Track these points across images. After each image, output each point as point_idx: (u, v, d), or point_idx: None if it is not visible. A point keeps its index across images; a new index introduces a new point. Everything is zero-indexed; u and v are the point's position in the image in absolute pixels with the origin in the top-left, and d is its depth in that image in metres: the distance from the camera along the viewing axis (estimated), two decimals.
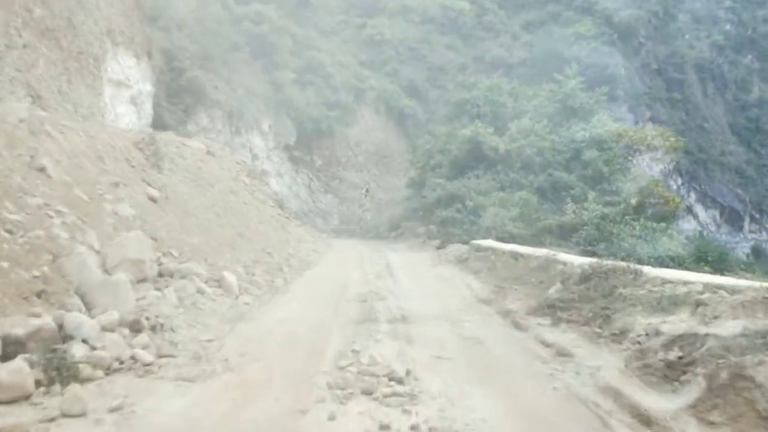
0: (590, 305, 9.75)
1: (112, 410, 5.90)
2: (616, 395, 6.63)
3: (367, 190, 37.58)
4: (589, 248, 21.21)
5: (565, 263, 12.81)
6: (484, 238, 22.68)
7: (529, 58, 54.06)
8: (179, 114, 39.26)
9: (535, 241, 22.32)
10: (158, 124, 32.70)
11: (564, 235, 23.29)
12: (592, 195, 26.40)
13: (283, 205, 23.17)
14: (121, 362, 7.19)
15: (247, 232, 17.76)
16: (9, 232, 8.23)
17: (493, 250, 17.39)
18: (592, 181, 28.84)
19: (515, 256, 15.55)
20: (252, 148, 45.24)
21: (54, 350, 6.73)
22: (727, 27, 62.79)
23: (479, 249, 18.48)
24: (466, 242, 23.62)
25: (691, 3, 62.22)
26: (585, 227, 22.97)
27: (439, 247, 25.42)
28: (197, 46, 41.61)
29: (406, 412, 6.23)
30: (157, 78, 37.37)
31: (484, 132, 29.38)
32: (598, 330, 8.91)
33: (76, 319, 7.43)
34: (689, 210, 52.80)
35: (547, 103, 32.15)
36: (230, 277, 12.27)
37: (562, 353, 8.40)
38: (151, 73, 35.17)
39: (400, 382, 7.14)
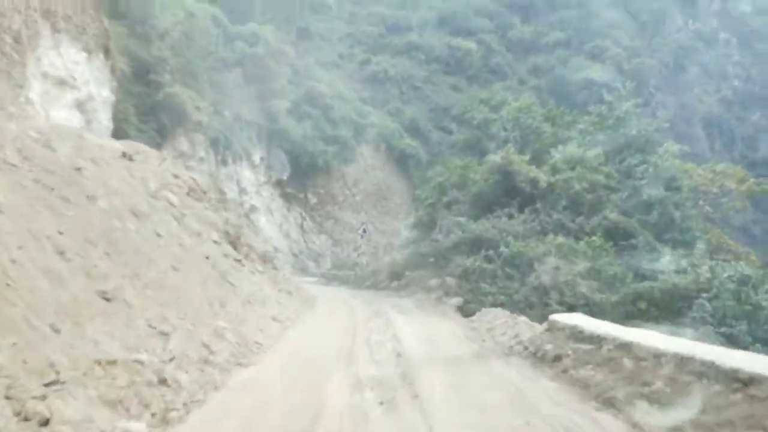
0: None
1: None
2: None
3: (364, 230, 27.87)
4: (723, 329, 11.39)
5: None
6: (541, 302, 13.00)
7: (538, 103, 44.78)
8: (152, 134, 29.31)
9: (622, 312, 12.53)
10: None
11: (668, 306, 13.44)
12: (666, 249, 16.81)
13: (238, 241, 13.19)
14: None
15: (136, 285, 7.84)
16: None
17: (620, 344, 7.38)
18: (657, 229, 19.16)
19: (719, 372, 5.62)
20: (240, 180, 35.49)
21: None
22: (736, 83, 54.32)
23: (576, 335, 8.41)
24: (506, 306, 13.91)
25: (700, 56, 53.63)
26: (707, 294, 13.10)
27: (464, 311, 15.64)
28: (180, 61, 32.18)
29: None
30: (125, 89, 27.91)
31: (518, 160, 19.75)
32: None
33: None
34: None
35: (595, 129, 22.64)
36: None
37: None
38: (109, 76, 25.60)
39: None
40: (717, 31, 56.38)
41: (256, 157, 36.88)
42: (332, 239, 40.58)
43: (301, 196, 39.79)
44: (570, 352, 8.23)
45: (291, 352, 9.09)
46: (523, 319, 11.68)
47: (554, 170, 19.94)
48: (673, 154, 21.58)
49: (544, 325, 9.87)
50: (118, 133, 24.89)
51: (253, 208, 36.43)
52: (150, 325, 7.73)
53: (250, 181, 36.26)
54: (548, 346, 8.70)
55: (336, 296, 20.11)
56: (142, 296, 7.98)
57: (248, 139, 36.41)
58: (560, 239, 17.16)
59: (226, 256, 11.92)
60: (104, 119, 25.47)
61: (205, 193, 15.32)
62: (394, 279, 22.83)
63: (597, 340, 8.15)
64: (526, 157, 20.27)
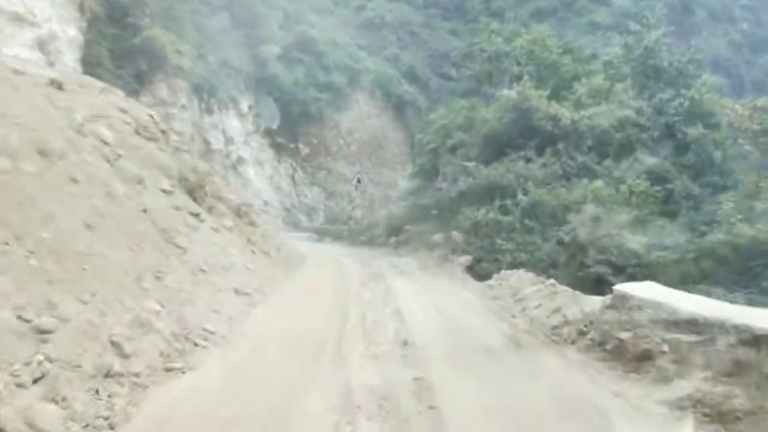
0: None
1: None
2: None
3: (358, 180, 24.58)
4: None
5: None
6: (574, 261, 10.05)
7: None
8: (128, 80, 25.58)
9: (680, 275, 9.58)
10: None
11: (742, 267, 10.42)
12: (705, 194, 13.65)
13: (201, 191, 10.06)
14: None
15: (14, 253, 4.58)
16: None
17: (754, 336, 4.35)
18: (693, 172, 16.04)
19: None
20: (226, 130, 32.01)
21: None
22: (744, 26, 50.15)
23: (667, 318, 5.35)
24: (527, 266, 10.98)
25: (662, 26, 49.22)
26: None
27: (476, 272, 12.64)
28: (161, 4, 28.31)
29: None
30: (97, 30, 24.38)
31: (536, 95, 16.41)
32: None
33: None
34: None
35: (621, 61, 19.20)
36: None
37: None
38: (76, 14, 22.08)
39: None
40: None
41: (244, 106, 33.33)
42: (325, 192, 37.40)
43: (292, 146, 36.38)
44: (665, 346, 5.20)
45: (251, 345, 6.10)
46: (563, 288, 8.66)
47: (578, 106, 16.66)
48: (711, 87, 18.30)
49: (606, 299, 6.84)
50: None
51: (240, 160, 33.10)
52: (20, 317, 4.70)
53: (238, 130, 32.81)
54: (624, 334, 5.67)
55: (327, 254, 17.10)
56: (21, 269, 4.89)
57: (235, 86, 32.78)
58: (598, 183, 14.04)
59: (177, 209, 8.81)
60: (70, 61, 22.00)
61: (164, 132, 12.07)
62: (392, 234, 19.77)
63: (706, 326, 5.12)
64: (545, 93, 16.96)
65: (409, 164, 40.88)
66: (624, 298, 6.16)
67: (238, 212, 12.83)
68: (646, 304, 5.73)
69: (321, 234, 26.82)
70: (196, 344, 5.85)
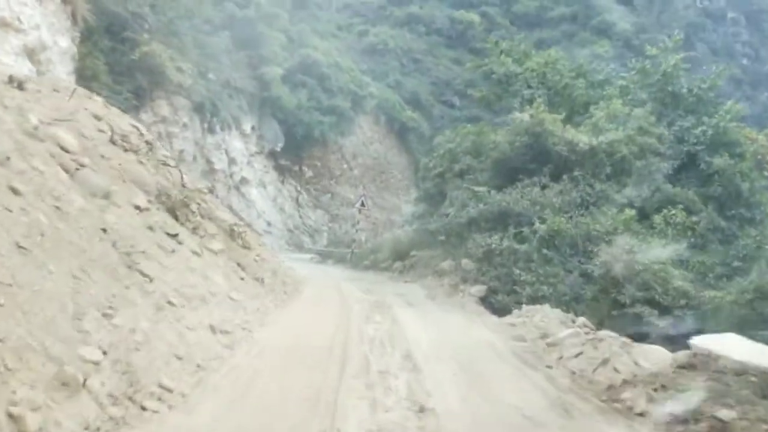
0: None
1: None
2: None
3: (362, 203, 22.91)
4: None
5: None
6: (607, 298, 8.44)
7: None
8: (127, 95, 24.18)
9: (737, 318, 7.95)
10: None
11: None
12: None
13: (185, 209, 8.47)
14: None
15: None
16: None
17: None
18: (720, 204, 14.51)
19: None
20: (229, 150, 30.59)
21: None
22: (744, 61, 49.17)
23: None
24: (550, 301, 9.39)
25: (708, 34, 48.51)
26: None
27: (490, 303, 11.14)
28: (161, 19, 27.04)
29: None
30: (94, 43, 23.04)
31: (550, 118, 14.94)
32: None
33: None
34: None
35: (637, 87, 17.80)
36: None
37: None
38: (68, 24, 20.68)
39: None
40: (725, 10, 51.33)
41: (247, 126, 32.01)
42: (329, 214, 35.92)
43: (296, 168, 35.01)
44: None
45: (219, 408, 4.47)
46: (606, 333, 6.99)
47: (596, 131, 15.19)
48: (736, 115, 16.87)
49: (678, 356, 5.24)
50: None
51: (243, 181, 31.65)
52: None
53: (241, 151, 31.42)
54: (725, 413, 4.06)
55: (328, 279, 15.49)
56: None
57: (238, 106, 31.48)
58: (630, 212, 12.47)
59: (150, 229, 7.25)
60: (63, 73, 20.53)
61: (149, 145, 10.55)
62: (397, 259, 18.15)
63: None
64: (561, 116, 15.49)
65: (413, 189, 39.41)
66: (709, 357, 4.58)
67: (231, 233, 11.24)
68: (747, 368, 4.15)
69: (324, 256, 25.21)
70: (143, 408, 4.22)
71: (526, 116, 15.07)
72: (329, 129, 34.85)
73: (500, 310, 10.89)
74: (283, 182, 34.79)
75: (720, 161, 15.00)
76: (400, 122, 38.08)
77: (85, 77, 21.26)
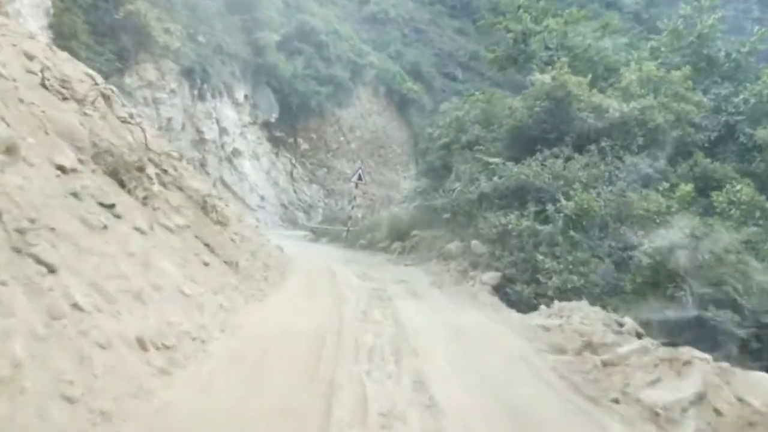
0: None
1: None
2: None
3: (359, 177, 20.68)
4: None
5: None
6: (661, 294, 6.42)
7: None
8: (109, 56, 21.91)
9: None
10: None
11: None
12: None
13: (134, 173, 6.42)
14: None
15: None
16: None
17: None
18: (761, 182, 12.49)
19: None
20: (220, 119, 28.38)
21: None
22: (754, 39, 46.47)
23: None
24: (584, 294, 7.41)
25: (719, 10, 45.75)
26: None
27: (505, 294, 9.16)
28: None
29: None
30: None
31: (575, 81, 12.81)
32: None
33: None
34: None
35: (668, 50, 15.65)
36: None
37: None
38: None
39: None
40: None
41: (240, 95, 29.76)
42: (325, 189, 33.84)
43: (291, 140, 32.83)
44: None
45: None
46: (687, 349, 5.00)
47: (626, 96, 13.09)
48: None
49: None
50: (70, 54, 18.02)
51: (236, 152, 29.50)
52: None
53: (233, 120, 29.21)
54: None
55: (321, 260, 13.49)
56: None
57: (231, 73, 29.19)
58: (686, 188, 10.44)
59: (76, 196, 5.25)
60: (36, 27, 18.34)
61: (106, 98, 8.44)
62: (396, 239, 16.17)
63: None
64: (586, 79, 13.38)
65: (413, 165, 37.28)
66: None
67: (204, 206, 9.19)
68: None
69: (318, 234, 23.20)
70: None
71: (547, 78, 12.94)
72: (326, 99, 32.62)
73: (519, 303, 8.94)
74: (277, 155, 32.64)
75: (763, 133, 12.95)
76: (401, 94, 35.80)
77: (63, 35, 19.01)
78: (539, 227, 10.43)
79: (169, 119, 24.96)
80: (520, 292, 9.57)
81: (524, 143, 12.92)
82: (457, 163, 14.98)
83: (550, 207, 10.71)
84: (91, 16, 21.18)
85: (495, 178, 12.12)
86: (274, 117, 31.60)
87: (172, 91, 25.00)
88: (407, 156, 36.88)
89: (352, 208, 21.87)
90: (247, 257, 9.02)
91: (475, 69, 39.54)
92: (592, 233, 10.10)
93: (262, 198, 31.21)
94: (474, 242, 11.96)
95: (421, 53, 39.47)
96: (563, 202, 10.51)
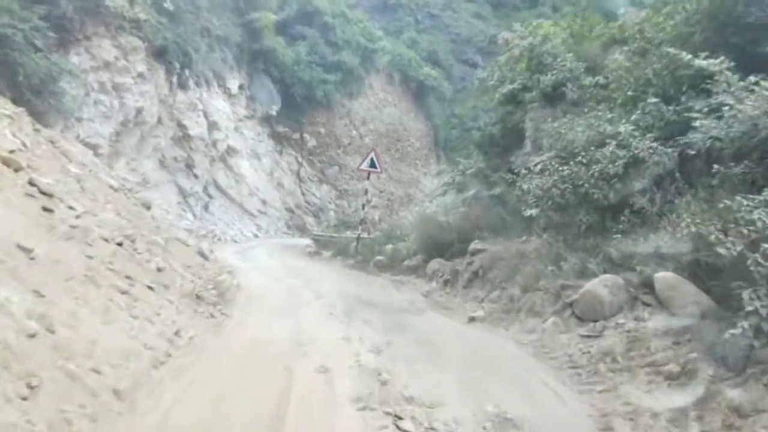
0: None
1: None
2: None
3: (372, 164, 12.83)
4: None
5: None
6: None
7: None
8: (38, 25, 13.90)
9: None
10: None
11: None
12: None
13: None
14: None
15: None
16: None
17: None
18: None
19: None
20: (209, 112, 20.95)
21: None
22: None
23: None
24: None
25: None
26: None
27: None
28: None
29: None
30: None
31: None
32: None
33: None
34: None
35: None
36: None
37: None
38: None
39: None
40: None
41: (233, 84, 22.46)
42: (336, 190, 26.41)
43: (296, 136, 25.45)
44: None
45: None
46: None
47: None
48: None
49: None
50: None
51: (231, 150, 22.21)
52: None
53: (225, 114, 21.87)
54: None
55: (297, 311, 6.04)
56: None
57: (221, 59, 21.89)
58: None
59: None
60: None
61: None
62: (435, 253, 8.59)
63: None
64: None
65: (433, 159, 29.76)
66: None
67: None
68: None
69: (321, 245, 15.62)
70: None
71: None
72: (335, 89, 25.24)
73: None
74: (281, 153, 25.28)
75: None
76: (418, 81, 28.28)
77: None
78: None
79: (139, 110, 17.54)
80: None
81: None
82: (536, 121, 7.32)
83: None
84: None
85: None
86: (275, 110, 24.32)
87: (141, 75, 17.60)
88: (427, 150, 29.36)
89: (364, 207, 14.34)
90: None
91: (495, 53, 31.84)
92: None
93: (264, 202, 23.88)
94: (662, 274, 4.32)
95: (436, 39, 31.99)
96: None
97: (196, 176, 20.69)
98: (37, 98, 13.03)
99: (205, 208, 21.17)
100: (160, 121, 18.91)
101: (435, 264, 8.46)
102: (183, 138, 20.04)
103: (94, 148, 15.82)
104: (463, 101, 21.73)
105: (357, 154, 27.23)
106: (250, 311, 5.62)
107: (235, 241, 20.18)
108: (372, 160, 12.94)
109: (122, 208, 7.04)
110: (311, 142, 25.72)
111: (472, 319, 5.88)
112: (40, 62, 12.72)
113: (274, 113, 24.36)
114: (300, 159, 25.56)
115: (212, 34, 21.38)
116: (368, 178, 13.76)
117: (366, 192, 14.09)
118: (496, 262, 6.65)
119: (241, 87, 23.00)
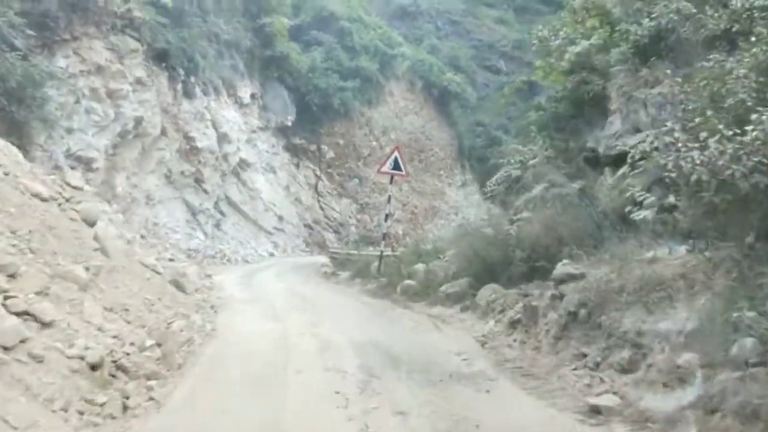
0: None
1: None
2: None
3: (396, 165, 10.19)
4: None
5: None
6: None
7: None
8: (18, 23, 11.60)
9: None
10: None
11: None
12: None
13: None
14: None
15: None
16: None
17: None
18: None
19: None
20: (218, 123, 18.55)
21: None
22: None
23: None
24: None
25: None
26: None
27: None
28: None
29: None
30: None
31: None
32: None
33: None
34: None
35: None
36: None
37: None
38: None
39: None
40: None
41: (245, 93, 20.12)
42: (357, 204, 23.79)
43: (314, 148, 22.99)
44: None
45: None
46: None
47: None
48: None
49: None
50: None
51: (243, 164, 19.81)
52: None
53: (237, 125, 19.50)
54: None
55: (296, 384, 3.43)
56: None
57: (231, 66, 19.60)
58: None
59: None
60: None
61: None
62: (488, 277, 5.76)
63: None
64: None
65: (458, 170, 27.05)
66: None
67: None
68: None
69: (338, 264, 12.90)
70: None
71: None
72: (353, 96, 22.80)
73: None
74: (297, 166, 22.84)
75: None
76: (440, 87, 25.71)
77: None
78: None
79: (138, 120, 15.15)
80: None
81: None
82: (628, 87, 4.53)
83: None
84: None
85: None
86: (290, 120, 21.95)
87: (139, 81, 15.25)
88: (452, 160, 26.65)
89: (387, 219, 11.65)
90: None
91: (520, 59, 29.21)
92: None
93: (281, 219, 21.39)
94: None
95: (457, 46, 29.46)
96: None
97: (205, 192, 18.32)
98: (15, 105, 10.83)
99: (217, 226, 18.74)
100: (164, 132, 16.56)
101: (488, 292, 5.72)
102: (190, 151, 17.69)
103: (87, 162, 13.59)
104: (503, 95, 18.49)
105: (378, 165, 24.70)
106: (201, 394, 3.06)
107: (247, 261, 17.71)
108: (396, 160, 10.29)
109: (35, 225, 4.54)
110: (329, 154, 23.25)
111: (595, 411, 3.07)
112: (16, 63, 10.57)
113: (289, 124, 22.01)
114: (318, 172, 23.08)
115: (221, 38, 19.14)
116: (391, 182, 11.11)
117: (389, 200, 11.39)
118: (610, 296, 3.82)
119: (253, 96, 20.68)
